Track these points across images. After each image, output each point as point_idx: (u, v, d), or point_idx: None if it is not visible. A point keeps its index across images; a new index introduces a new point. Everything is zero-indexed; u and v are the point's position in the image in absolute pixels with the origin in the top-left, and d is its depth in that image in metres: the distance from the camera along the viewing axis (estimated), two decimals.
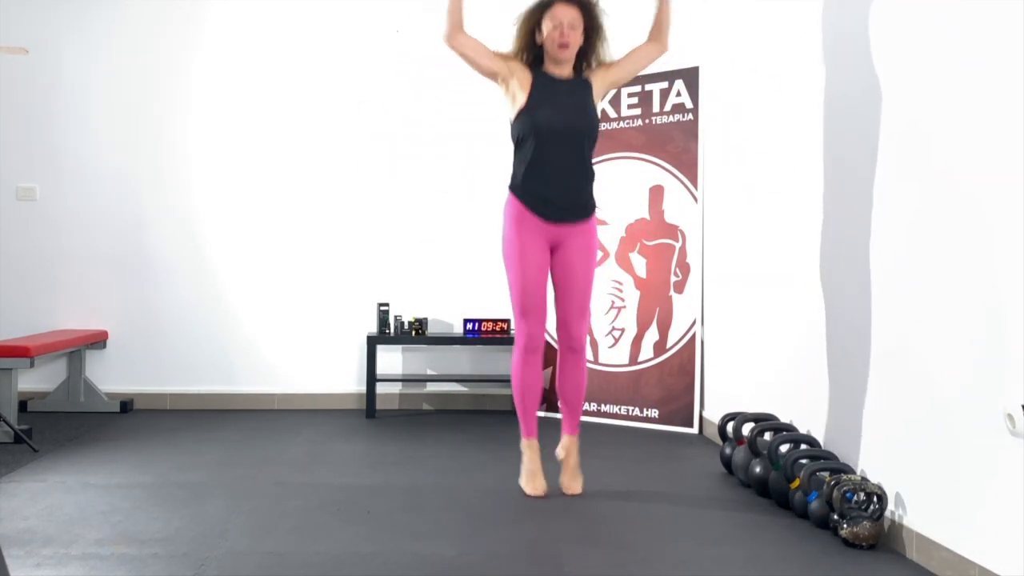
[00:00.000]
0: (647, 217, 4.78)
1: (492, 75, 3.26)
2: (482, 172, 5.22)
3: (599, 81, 3.28)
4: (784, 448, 3.30)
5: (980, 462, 2.30)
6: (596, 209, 3.32)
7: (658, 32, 3.41)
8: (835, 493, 2.72)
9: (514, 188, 3.25)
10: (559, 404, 3.46)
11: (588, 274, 3.28)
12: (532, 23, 3.23)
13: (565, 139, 3.17)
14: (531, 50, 3.26)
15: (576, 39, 3.18)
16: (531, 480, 3.28)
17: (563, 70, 3.24)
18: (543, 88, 3.20)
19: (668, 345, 4.67)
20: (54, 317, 5.09)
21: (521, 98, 3.19)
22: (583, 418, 4.85)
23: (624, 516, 3.02)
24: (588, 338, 4.91)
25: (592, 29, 3.24)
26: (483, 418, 4.92)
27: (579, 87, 3.24)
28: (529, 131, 3.16)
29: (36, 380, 5.07)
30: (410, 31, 5.22)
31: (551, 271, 3.29)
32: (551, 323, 3.55)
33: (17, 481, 3.38)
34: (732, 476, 3.58)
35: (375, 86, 5.22)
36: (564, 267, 3.26)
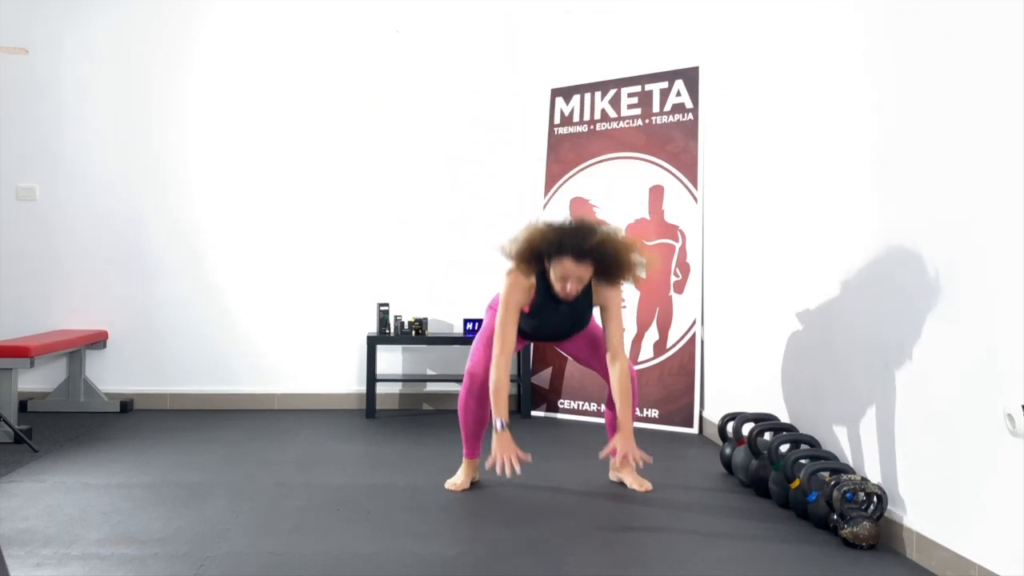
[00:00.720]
0: (647, 217, 4.78)
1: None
2: (482, 172, 5.23)
3: (598, 296, 3.25)
4: (784, 448, 3.30)
5: (980, 462, 2.30)
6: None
7: (614, 401, 3.30)
8: (835, 493, 2.72)
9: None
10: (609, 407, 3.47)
11: (590, 331, 3.41)
12: (539, 253, 3.13)
13: (561, 327, 3.30)
14: (533, 264, 3.18)
15: (579, 289, 3.12)
16: (456, 479, 3.39)
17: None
18: (543, 306, 3.22)
19: (668, 345, 4.67)
20: (54, 317, 5.09)
21: (525, 305, 3.22)
22: (585, 418, 4.87)
23: (624, 516, 3.01)
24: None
25: (604, 275, 3.14)
26: None
27: (579, 302, 3.23)
28: (527, 330, 3.30)
29: (36, 380, 5.07)
30: (410, 31, 5.22)
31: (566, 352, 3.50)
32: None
33: (17, 481, 3.37)
34: (732, 476, 3.58)
35: (375, 86, 5.22)
36: (571, 344, 3.44)
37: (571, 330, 3.32)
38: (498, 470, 3.04)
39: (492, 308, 3.37)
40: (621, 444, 3.16)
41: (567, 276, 3.08)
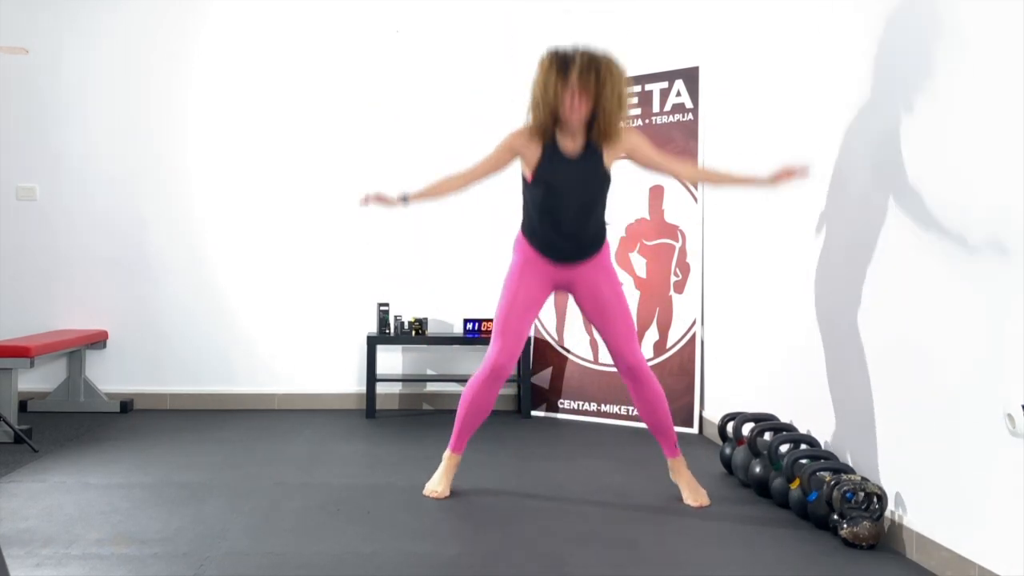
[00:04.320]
0: (647, 217, 4.78)
1: (511, 161, 3.22)
2: None
3: (612, 150, 3.17)
4: (784, 448, 3.30)
5: (980, 462, 2.30)
6: (606, 239, 3.28)
7: (711, 178, 3.32)
8: (835, 493, 2.72)
9: (524, 231, 3.28)
10: (649, 430, 3.38)
11: (618, 295, 3.25)
12: (553, 90, 3.07)
13: (569, 207, 3.15)
14: (554, 122, 3.13)
15: (587, 108, 3.04)
16: (435, 484, 3.28)
17: (574, 141, 3.14)
18: (549, 162, 3.13)
19: (668, 345, 4.67)
20: (54, 317, 5.09)
21: (528, 168, 3.16)
22: (585, 418, 4.87)
23: (624, 516, 3.02)
24: (590, 342, 4.93)
25: (603, 96, 3.06)
26: None
27: (588, 159, 3.14)
28: (537, 201, 3.17)
29: (36, 380, 5.07)
30: (410, 31, 5.22)
31: (583, 312, 3.29)
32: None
33: (17, 481, 3.38)
34: (732, 476, 3.58)
35: (375, 86, 5.22)
36: (591, 299, 3.24)
37: (585, 193, 3.13)
38: (362, 202, 3.15)
39: (507, 278, 3.26)
40: (779, 172, 3.08)
41: (572, 92, 2.99)
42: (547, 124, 3.10)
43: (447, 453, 3.31)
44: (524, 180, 3.21)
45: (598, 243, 3.24)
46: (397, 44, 5.23)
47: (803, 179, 3.11)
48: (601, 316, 3.23)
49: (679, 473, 3.27)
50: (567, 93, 3.01)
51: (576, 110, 3.02)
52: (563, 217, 3.15)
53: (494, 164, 3.21)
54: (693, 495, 3.20)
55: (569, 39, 5.20)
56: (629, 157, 3.22)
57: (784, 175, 3.07)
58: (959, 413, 2.39)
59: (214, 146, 5.17)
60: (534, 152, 3.14)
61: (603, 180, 3.16)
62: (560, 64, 3.03)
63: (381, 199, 3.15)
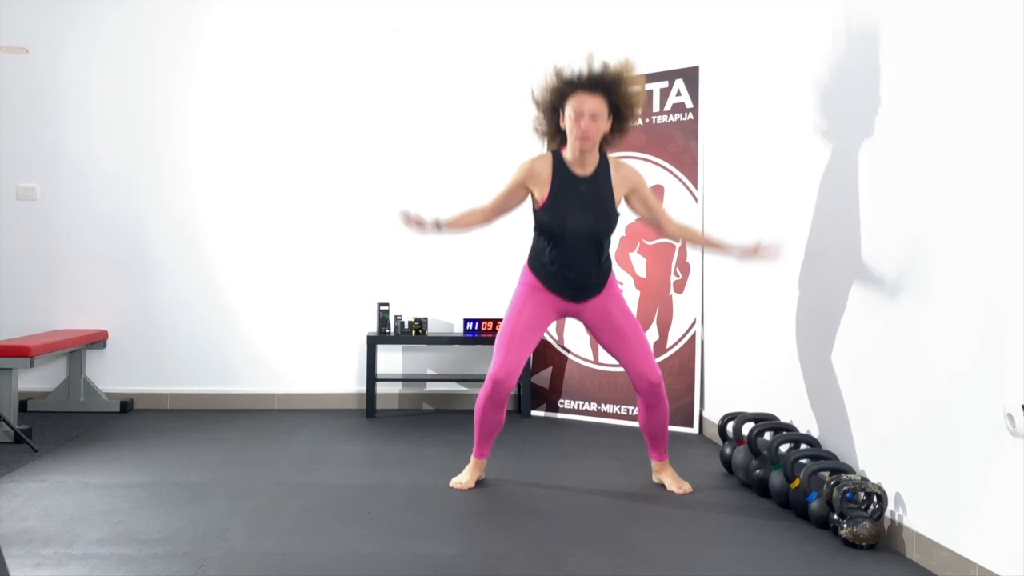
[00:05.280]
0: None
1: (524, 197, 3.30)
2: (482, 172, 5.22)
3: (621, 183, 3.22)
4: (784, 448, 3.30)
5: (980, 462, 2.30)
6: (611, 272, 3.35)
7: (692, 238, 3.38)
8: (835, 493, 2.72)
9: (531, 266, 3.32)
10: (644, 435, 3.47)
11: (629, 315, 3.33)
12: (554, 107, 3.18)
13: (581, 237, 3.19)
14: (557, 134, 3.23)
15: (598, 130, 3.12)
16: (461, 477, 3.40)
17: (584, 163, 3.20)
18: (562, 187, 3.18)
19: (668, 345, 4.67)
20: (54, 317, 5.09)
21: (540, 195, 3.21)
22: (585, 418, 4.87)
23: (624, 516, 3.02)
24: (590, 341, 4.93)
25: (619, 109, 3.16)
26: None
27: (599, 184, 3.20)
28: (546, 228, 3.21)
29: (36, 380, 5.07)
30: (410, 31, 5.22)
31: (598, 340, 3.37)
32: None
33: (17, 481, 3.38)
34: (732, 476, 3.58)
35: (374, 86, 5.22)
36: (605, 327, 3.31)
37: (596, 222, 3.18)
38: (403, 221, 3.22)
39: (512, 301, 3.34)
40: (753, 248, 3.22)
41: (581, 112, 3.07)
42: (557, 136, 3.19)
43: (472, 460, 3.43)
44: (534, 209, 3.27)
45: (605, 279, 3.31)
46: (397, 44, 5.23)
47: (773, 259, 3.24)
48: (619, 340, 3.31)
49: (664, 471, 3.42)
50: (575, 121, 3.10)
51: (586, 138, 3.11)
52: (572, 253, 3.20)
53: (507, 198, 3.28)
54: (676, 484, 3.36)
55: (569, 39, 5.21)
56: (628, 197, 3.28)
57: (755, 252, 3.19)
58: (959, 413, 2.39)
59: (215, 146, 5.17)
60: (546, 175, 3.20)
61: (612, 208, 3.21)
62: (566, 87, 3.12)
63: (418, 222, 3.21)
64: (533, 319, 3.27)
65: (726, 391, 4.26)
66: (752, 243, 3.26)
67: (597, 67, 3.14)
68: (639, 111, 3.23)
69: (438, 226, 3.26)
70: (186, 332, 5.14)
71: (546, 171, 3.21)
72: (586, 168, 3.21)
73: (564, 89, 3.16)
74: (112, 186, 5.12)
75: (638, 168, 4.81)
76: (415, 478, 3.50)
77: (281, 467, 3.67)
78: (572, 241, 3.19)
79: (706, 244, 3.41)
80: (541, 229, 3.25)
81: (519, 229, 4.82)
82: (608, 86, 3.13)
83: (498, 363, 3.25)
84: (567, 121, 3.15)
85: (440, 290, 5.24)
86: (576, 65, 3.18)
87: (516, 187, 3.26)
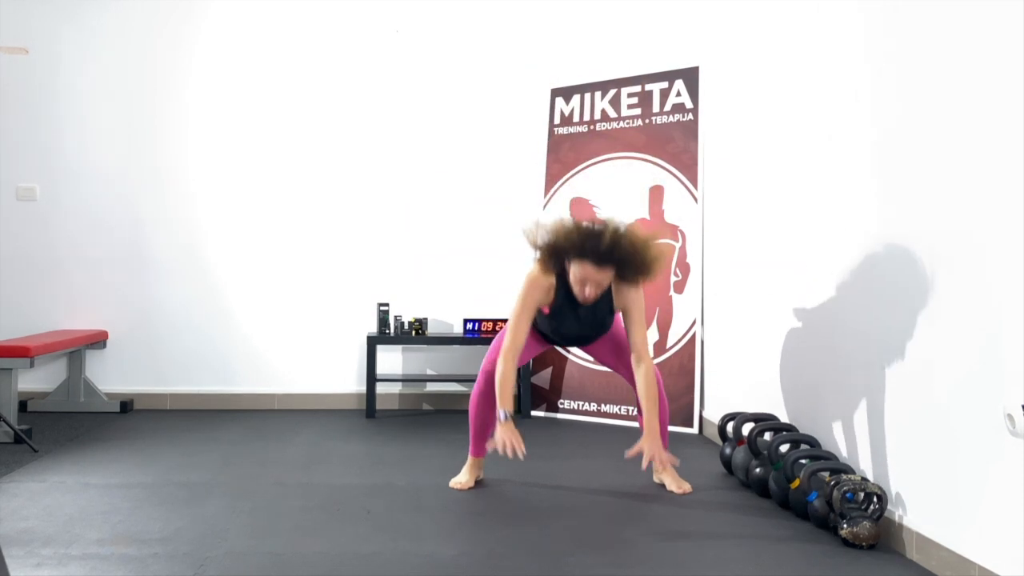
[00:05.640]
0: (647, 217, 4.78)
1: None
2: (482, 172, 5.23)
3: (619, 301, 3.24)
4: (784, 448, 3.30)
5: (980, 462, 2.30)
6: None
7: (637, 393, 3.29)
8: (835, 493, 2.72)
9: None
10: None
11: (622, 331, 3.40)
12: (558, 252, 3.15)
13: (582, 335, 3.31)
14: (555, 264, 3.21)
15: (598, 294, 3.13)
16: (460, 477, 3.42)
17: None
18: (562, 307, 3.23)
19: (668, 345, 4.67)
20: (54, 317, 5.09)
21: (544, 307, 3.25)
22: (585, 418, 4.86)
23: (624, 516, 3.01)
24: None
25: (633, 276, 3.15)
26: None
27: (598, 308, 3.24)
28: (541, 329, 3.32)
29: (36, 380, 5.07)
30: (410, 31, 5.22)
31: (601, 362, 3.50)
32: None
33: (17, 481, 3.38)
34: (732, 476, 3.58)
35: (374, 87, 5.22)
36: (607, 346, 3.43)
37: (592, 335, 3.30)
38: (500, 451, 3.06)
39: (513, 312, 3.36)
40: (647, 446, 3.15)
41: (586, 279, 3.08)
42: (559, 268, 3.20)
43: (470, 459, 3.44)
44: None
45: (602, 332, 3.36)
46: (397, 44, 5.23)
47: (659, 467, 3.23)
48: (605, 351, 3.43)
49: (664, 471, 3.39)
50: (579, 284, 3.11)
51: (587, 301, 3.14)
52: (573, 335, 3.31)
53: (527, 326, 3.22)
54: (676, 484, 3.36)
55: (569, 39, 5.21)
56: (621, 306, 3.27)
57: (641, 454, 3.15)
58: (959, 413, 2.39)
59: (214, 146, 5.17)
60: (551, 295, 3.22)
61: (609, 322, 3.30)
62: (574, 251, 3.07)
63: (504, 445, 3.06)
64: (524, 317, 3.26)
65: (726, 391, 4.26)
66: (649, 452, 3.15)
67: (609, 240, 3.03)
68: (657, 274, 3.18)
69: (507, 417, 3.13)
70: (186, 332, 5.14)
71: (551, 292, 3.21)
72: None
73: (572, 253, 3.09)
74: (112, 186, 5.12)
75: (637, 170, 4.81)
76: (415, 478, 3.50)
77: (281, 467, 3.67)
78: (574, 338, 3.35)
79: (640, 406, 3.29)
80: (542, 319, 3.29)
81: (519, 229, 4.82)
82: (619, 262, 3.08)
83: (491, 358, 3.31)
84: (570, 273, 3.12)
85: (440, 290, 5.24)
86: (593, 222, 3.12)
87: (534, 311, 3.23)
